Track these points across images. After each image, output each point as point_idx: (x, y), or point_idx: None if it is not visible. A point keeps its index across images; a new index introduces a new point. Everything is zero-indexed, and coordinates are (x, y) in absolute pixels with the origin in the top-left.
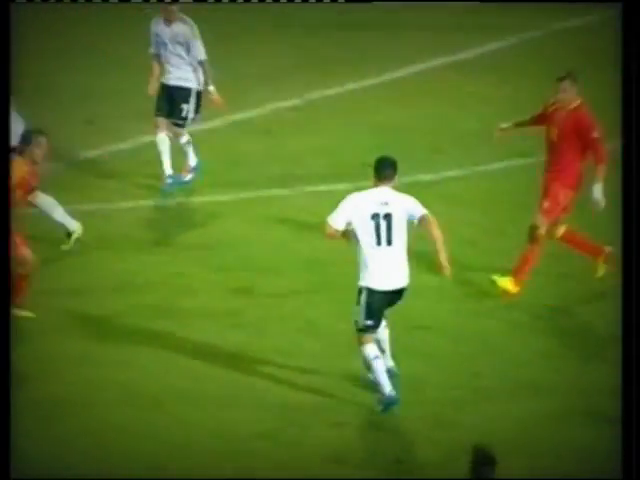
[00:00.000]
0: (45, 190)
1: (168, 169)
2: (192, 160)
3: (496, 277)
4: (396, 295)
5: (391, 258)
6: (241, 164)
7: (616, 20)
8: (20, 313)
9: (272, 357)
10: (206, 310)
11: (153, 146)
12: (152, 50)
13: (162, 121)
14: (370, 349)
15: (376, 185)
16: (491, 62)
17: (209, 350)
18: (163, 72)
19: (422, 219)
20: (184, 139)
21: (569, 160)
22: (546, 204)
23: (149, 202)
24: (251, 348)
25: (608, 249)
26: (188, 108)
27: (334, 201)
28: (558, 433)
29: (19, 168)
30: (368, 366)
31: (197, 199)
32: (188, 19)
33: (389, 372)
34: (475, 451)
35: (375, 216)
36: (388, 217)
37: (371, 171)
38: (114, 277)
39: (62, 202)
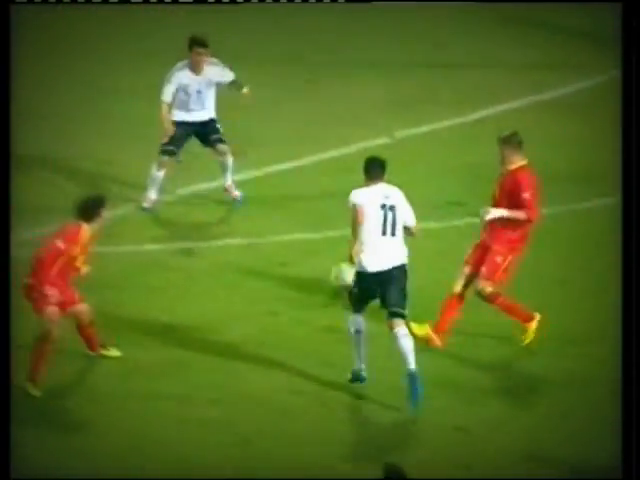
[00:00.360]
0: (135, 228)
1: (154, 195)
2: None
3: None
4: (389, 274)
5: (391, 247)
6: (328, 203)
7: None
8: (108, 353)
9: (362, 395)
10: (295, 347)
11: (241, 184)
12: (169, 98)
13: (167, 162)
14: (351, 322)
15: (368, 184)
16: (578, 101)
17: (299, 387)
18: (181, 112)
19: (411, 230)
20: (230, 157)
21: (506, 223)
22: (484, 269)
23: (237, 240)
24: (339, 386)
25: (537, 316)
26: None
27: (419, 240)
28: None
29: (85, 235)
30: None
31: (285, 237)
32: (213, 58)
33: (411, 376)
34: (386, 468)
35: (383, 206)
36: (393, 209)
37: (458, 209)
38: (202, 314)
39: (153, 241)
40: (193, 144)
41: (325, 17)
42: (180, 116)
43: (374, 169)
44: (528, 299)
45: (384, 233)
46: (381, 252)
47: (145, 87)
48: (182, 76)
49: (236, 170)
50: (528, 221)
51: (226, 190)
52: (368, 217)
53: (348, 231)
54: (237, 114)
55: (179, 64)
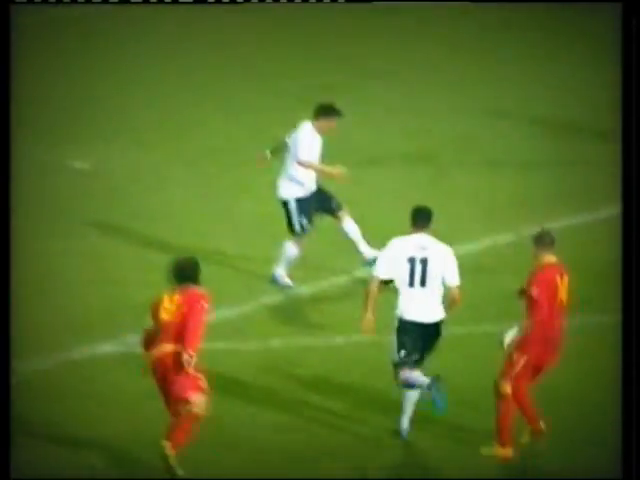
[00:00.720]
0: (261, 324)
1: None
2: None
3: (484, 449)
4: (428, 330)
5: (423, 297)
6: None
7: None
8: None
9: None
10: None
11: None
12: (315, 157)
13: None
14: (407, 374)
15: (413, 232)
16: None
17: None
18: (305, 185)
19: (451, 290)
20: (352, 221)
21: (525, 325)
22: (504, 365)
23: (365, 337)
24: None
25: (542, 427)
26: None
27: None
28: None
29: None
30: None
31: None
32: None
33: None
34: None
35: (411, 260)
36: (424, 261)
37: (587, 307)
38: (330, 413)
39: (279, 337)
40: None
41: (451, 117)
42: (304, 191)
43: (419, 217)
44: None
45: (411, 284)
46: (412, 304)
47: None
48: (315, 137)
49: (361, 264)
50: (530, 321)
51: (367, 261)
52: (396, 270)
53: (472, 329)
54: (363, 207)
55: (310, 127)
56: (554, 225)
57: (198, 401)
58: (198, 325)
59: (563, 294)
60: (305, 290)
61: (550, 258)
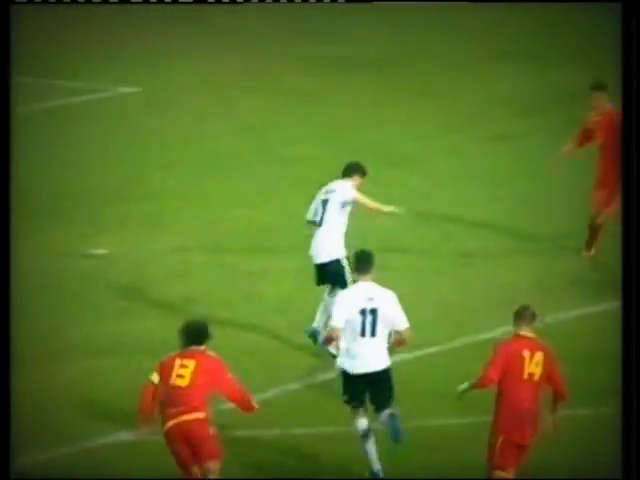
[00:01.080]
0: (283, 411)
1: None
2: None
3: None
4: (374, 378)
5: (371, 347)
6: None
7: None
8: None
9: None
10: None
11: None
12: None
13: None
14: (360, 425)
15: (357, 279)
16: None
17: None
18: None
19: (402, 333)
20: None
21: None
22: (488, 455)
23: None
24: None
25: None
26: None
27: None
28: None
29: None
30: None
31: (437, 422)
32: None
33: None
34: None
35: (362, 311)
36: (374, 312)
37: (612, 399)
38: None
39: (301, 425)
40: None
41: (472, 190)
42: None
43: (362, 263)
44: None
45: (363, 334)
46: (361, 353)
47: None
48: (355, 192)
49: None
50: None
51: (311, 328)
52: (347, 323)
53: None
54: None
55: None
56: (575, 314)
57: (215, 468)
58: (233, 386)
59: (533, 368)
60: (326, 376)
61: (524, 332)
